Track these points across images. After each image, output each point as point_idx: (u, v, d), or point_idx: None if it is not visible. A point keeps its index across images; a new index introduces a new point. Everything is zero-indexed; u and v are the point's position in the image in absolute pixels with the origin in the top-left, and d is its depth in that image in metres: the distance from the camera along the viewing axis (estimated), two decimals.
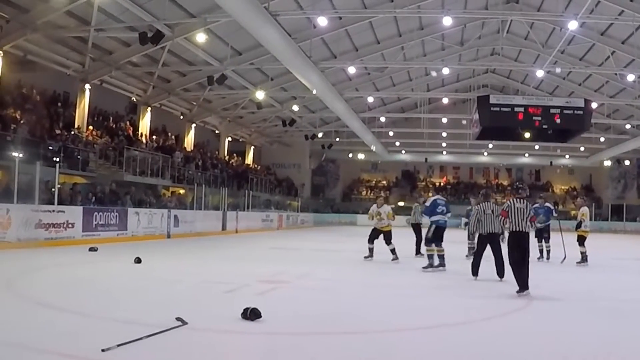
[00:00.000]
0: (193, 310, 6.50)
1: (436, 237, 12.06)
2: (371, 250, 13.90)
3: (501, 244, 10.13)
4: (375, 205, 14.06)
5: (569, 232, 14.08)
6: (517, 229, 8.72)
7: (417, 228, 15.60)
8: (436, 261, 12.01)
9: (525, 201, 8.99)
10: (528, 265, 8.67)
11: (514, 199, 8.98)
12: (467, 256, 14.51)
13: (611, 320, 6.94)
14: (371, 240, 13.90)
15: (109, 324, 5.91)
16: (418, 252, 14.97)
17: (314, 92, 25.69)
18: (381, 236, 13.80)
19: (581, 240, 13.72)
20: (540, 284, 9.62)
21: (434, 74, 29.89)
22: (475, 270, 10.51)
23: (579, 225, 13.86)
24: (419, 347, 5.52)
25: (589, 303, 8.32)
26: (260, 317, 6.12)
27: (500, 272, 10.24)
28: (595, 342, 5.82)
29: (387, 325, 6.39)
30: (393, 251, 13.57)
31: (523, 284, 8.51)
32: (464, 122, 35.56)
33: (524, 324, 6.68)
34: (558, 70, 25.67)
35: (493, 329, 6.37)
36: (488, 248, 10.44)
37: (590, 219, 15.15)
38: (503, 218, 8.98)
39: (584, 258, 13.64)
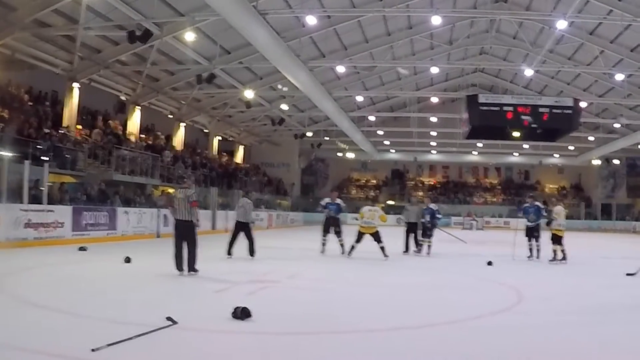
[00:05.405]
0: (183, 310, 6.49)
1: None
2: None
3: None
4: None
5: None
6: (180, 218, 9.53)
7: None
8: None
9: (185, 190, 9.68)
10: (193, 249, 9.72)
11: (179, 190, 9.69)
12: (422, 253, 14.95)
13: (600, 318, 7.00)
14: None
15: (99, 323, 5.88)
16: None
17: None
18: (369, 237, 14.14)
19: (556, 238, 13.89)
20: (530, 282, 9.67)
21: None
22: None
23: (549, 223, 14.07)
24: (409, 346, 5.54)
25: (578, 301, 8.37)
26: (251, 316, 6.12)
27: None
28: (585, 340, 5.88)
29: (377, 324, 6.40)
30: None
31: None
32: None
33: (513, 322, 6.70)
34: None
35: (482, 328, 6.38)
36: None
37: (580, 218, 15.34)
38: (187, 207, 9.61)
39: (557, 256, 13.76)
